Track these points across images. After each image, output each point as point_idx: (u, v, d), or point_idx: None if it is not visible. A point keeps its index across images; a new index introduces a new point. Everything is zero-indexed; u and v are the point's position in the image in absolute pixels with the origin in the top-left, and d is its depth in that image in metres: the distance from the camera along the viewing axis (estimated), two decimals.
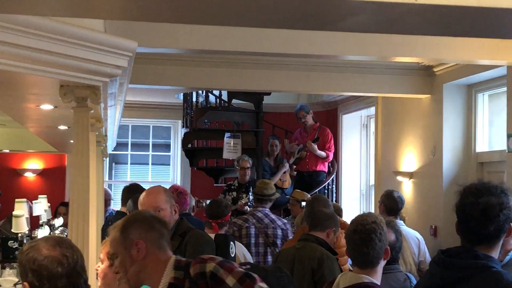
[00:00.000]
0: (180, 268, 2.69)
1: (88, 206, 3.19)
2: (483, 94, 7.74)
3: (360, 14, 2.35)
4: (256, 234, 6.39)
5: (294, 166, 9.85)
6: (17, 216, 5.82)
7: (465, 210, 2.79)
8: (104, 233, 5.55)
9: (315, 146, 9.60)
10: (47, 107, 4.03)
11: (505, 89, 6.92)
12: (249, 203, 8.29)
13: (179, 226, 4.30)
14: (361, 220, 3.19)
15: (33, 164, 11.57)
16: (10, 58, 2.75)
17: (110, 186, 12.20)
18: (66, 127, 5.34)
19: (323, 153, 9.70)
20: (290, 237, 6.25)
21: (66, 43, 2.82)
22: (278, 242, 6.43)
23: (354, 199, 11.06)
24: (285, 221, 6.61)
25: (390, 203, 6.00)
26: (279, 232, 6.39)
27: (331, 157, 9.86)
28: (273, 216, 6.49)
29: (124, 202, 6.28)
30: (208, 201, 6.55)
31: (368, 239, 3.12)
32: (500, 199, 2.76)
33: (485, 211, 2.73)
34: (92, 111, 3.39)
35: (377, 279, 3.13)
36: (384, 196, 6.10)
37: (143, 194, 4.23)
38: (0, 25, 2.60)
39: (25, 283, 2.59)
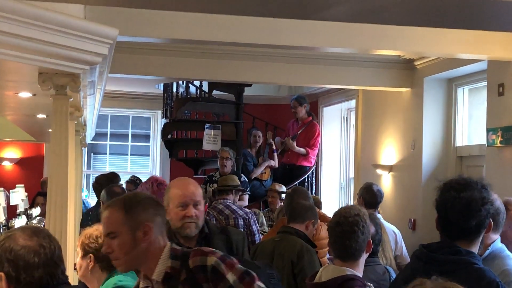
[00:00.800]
0: (176, 258, 2.61)
1: (67, 196, 3.15)
2: (463, 88, 7.77)
3: (345, 3, 2.33)
4: None
5: (278, 156, 9.85)
6: None
7: (447, 204, 2.78)
8: (82, 225, 5.51)
9: (294, 143, 9.59)
10: (25, 94, 3.98)
11: (485, 83, 6.95)
12: None
13: (208, 223, 3.86)
14: (344, 213, 3.17)
15: (10, 153, 11.46)
16: None
17: (88, 176, 12.12)
18: (44, 116, 5.29)
19: (302, 150, 9.68)
20: (253, 226, 6.20)
21: (45, 29, 2.77)
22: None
23: (333, 192, 11.08)
24: (248, 210, 6.52)
25: (369, 196, 5.99)
26: (241, 221, 6.29)
27: (312, 155, 9.80)
28: (234, 207, 6.38)
29: (98, 193, 6.23)
30: None
31: (350, 232, 3.11)
32: (481, 194, 2.76)
33: (467, 205, 2.73)
34: (71, 100, 3.34)
35: (359, 271, 3.11)
36: (363, 189, 6.09)
37: (180, 184, 3.63)
38: None
39: (1, 273, 2.55)
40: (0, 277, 2.57)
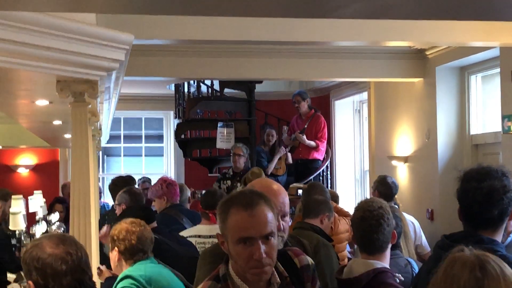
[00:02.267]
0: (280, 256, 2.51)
1: (89, 201, 3.17)
2: (476, 76, 7.74)
3: (359, 2, 2.33)
4: None
5: (290, 154, 9.84)
6: (14, 213, 5.78)
7: (468, 195, 2.78)
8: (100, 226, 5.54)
9: (304, 137, 9.57)
10: (42, 102, 4.00)
11: (498, 70, 6.92)
12: None
13: None
14: (367, 207, 3.17)
15: (25, 160, 11.53)
16: (6, 54, 2.72)
17: (102, 179, 12.16)
18: (60, 122, 5.31)
19: (312, 143, 9.64)
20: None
21: (62, 38, 2.79)
22: None
23: (349, 185, 11.06)
24: None
25: (384, 189, 5.98)
26: None
27: (321, 147, 9.75)
28: None
29: (114, 195, 6.24)
30: (203, 192, 6.49)
31: (377, 225, 3.12)
32: (502, 182, 2.75)
33: (489, 195, 2.72)
34: (90, 106, 3.36)
35: (386, 263, 3.13)
36: (378, 182, 6.09)
37: (270, 188, 2.90)
38: None
39: (30, 282, 2.57)
40: (29, 286, 2.59)
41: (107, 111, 5.42)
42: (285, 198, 2.91)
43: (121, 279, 3.61)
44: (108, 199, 10.56)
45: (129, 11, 2.86)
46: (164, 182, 6.15)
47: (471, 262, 2.02)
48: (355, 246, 6.27)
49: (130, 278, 3.58)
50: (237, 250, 2.36)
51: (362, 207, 3.21)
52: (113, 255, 3.75)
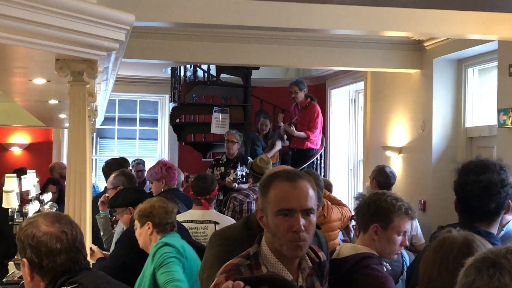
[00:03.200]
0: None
1: (85, 181, 3.17)
2: (473, 69, 7.75)
3: None
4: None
5: (288, 142, 9.85)
6: (7, 192, 5.77)
7: (466, 187, 2.79)
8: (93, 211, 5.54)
9: (292, 128, 9.55)
10: (40, 81, 3.98)
11: (495, 63, 6.93)
12: (237, 179, 8.27)
13: None
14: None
15: (19, 138, 11.49)
16: (5, 30, 2.69)
17: (95, 160, 12.15)
18: (56, 102, 5.29)
19: (302, 134, 9.61)
20: None
21: (63, 16, 2.76)
22: None
23: (342, 174, 11.08)
24: None
25: (383, 179, 6.01)
26: None
27: (313, 137, 9.70)
28: None
29: (107, 177, 6.23)
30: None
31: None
32: (500, 176, 2.77)
33: (487, 188, 2.74)
34: (88, 86, 3.34)
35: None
36: (376, 171, 6.11)
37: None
38: None
39: (24, 260, 2.58)
40: (23, 263, 2.59)
41: (104, 92, 5.40)
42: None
43: (160, 247, 3.97)
44: (99, 181, 10.58)
45: None
46: (164, 165, 6.14)
47: (458, 241, 2.14)
48: (352, 233, 6.31)
49: (168, 246, 3.96)
50: (277, 222, 2.33)
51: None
52: (144, 230, 4.11)
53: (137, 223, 4.17)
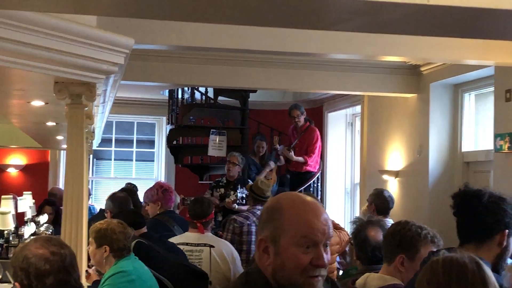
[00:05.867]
0: None
1: (82, 204, 3.16)
2: (470, 94, 7.78)
3: (357, 17, 2.35)
4: (257, 231, 6.29)
5: (283, 162, 9.83)
6: (3, 213, 5.75)
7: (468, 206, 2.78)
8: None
9: (291, 153, 9.55)
10: (38, 103, 3.98)
11: (491, 89, 6.95)
12: (237, 201, 8.26)
13: None
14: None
15: (16, 160, 11.47)
16: (4, 53, 2.71)
17: (92, 182, 12.13)
18: (54, 123, 5.29)
19: (300, 159, 9.61)
20: None
21: (62, 39, 2.78)
22: None
23: (339, 197, 11.07)
24: None
25: (381, 202, 5.99)
26: None
27: (310, 161, 9.68)
28: None
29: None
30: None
31: None
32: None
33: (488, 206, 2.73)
34: (86, 109, 3.35)
35: None
36: (374, 195, 6.09)
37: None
38: None
39: (16, 284, 2.58)
40: (15, 287, 2.59)
41: (101, 115, 5.41)
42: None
43: (115, 274, 3.93)
44: (95, 203, 10.55)
45: (132, 15, 2.86)
46: (161, 187, 6.13)
47: (441, 258, 2.14)
48: (347, 257, 6.28)
49: (123, 273, 3.94)
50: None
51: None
52: (100, 252, 4.02)
53: (92, 241, 4.06)
